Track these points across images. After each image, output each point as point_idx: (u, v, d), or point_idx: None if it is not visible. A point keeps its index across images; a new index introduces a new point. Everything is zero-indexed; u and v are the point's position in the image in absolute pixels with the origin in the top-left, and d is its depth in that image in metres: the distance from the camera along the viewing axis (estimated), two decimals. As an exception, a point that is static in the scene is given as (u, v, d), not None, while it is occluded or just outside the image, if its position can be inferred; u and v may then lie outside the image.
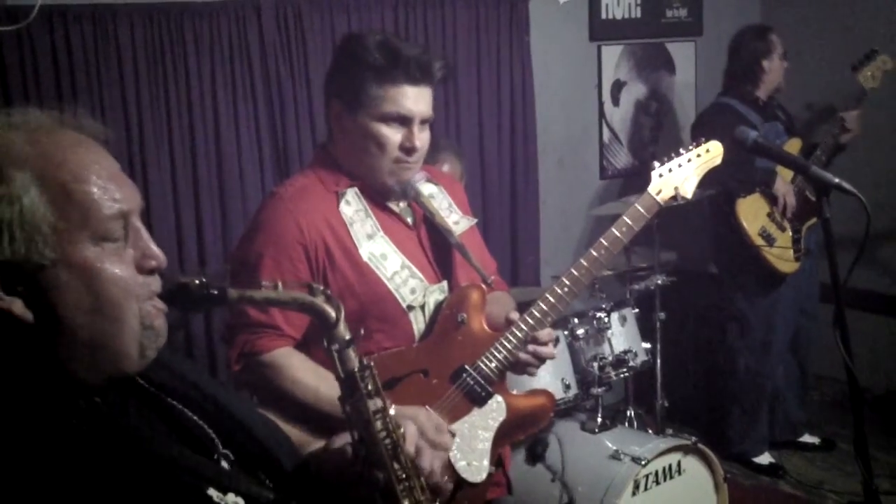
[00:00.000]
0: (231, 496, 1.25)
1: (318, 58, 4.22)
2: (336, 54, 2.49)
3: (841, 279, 2.13)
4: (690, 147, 2.60)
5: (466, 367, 2.38)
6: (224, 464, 1.34)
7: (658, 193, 2.52)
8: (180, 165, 3.94)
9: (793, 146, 4.64)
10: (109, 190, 1.18)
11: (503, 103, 4.92)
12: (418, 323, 2.41)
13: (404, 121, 2.30)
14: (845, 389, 5.35)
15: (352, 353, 1.37)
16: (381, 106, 2.28)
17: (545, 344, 2.39)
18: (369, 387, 1.37)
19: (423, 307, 2.42)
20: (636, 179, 5.55)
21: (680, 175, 2.56)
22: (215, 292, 1.26)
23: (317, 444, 1.58)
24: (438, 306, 2.44)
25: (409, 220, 2.47)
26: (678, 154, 2.59)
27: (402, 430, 1.42)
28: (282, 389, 2.23)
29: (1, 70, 3.49)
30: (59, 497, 1.08)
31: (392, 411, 2.03)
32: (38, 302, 1.14)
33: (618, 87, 5.63)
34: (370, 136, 2.31)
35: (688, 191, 2.58)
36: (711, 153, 2.61)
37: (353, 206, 2.36)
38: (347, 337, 1.36)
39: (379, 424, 1.37)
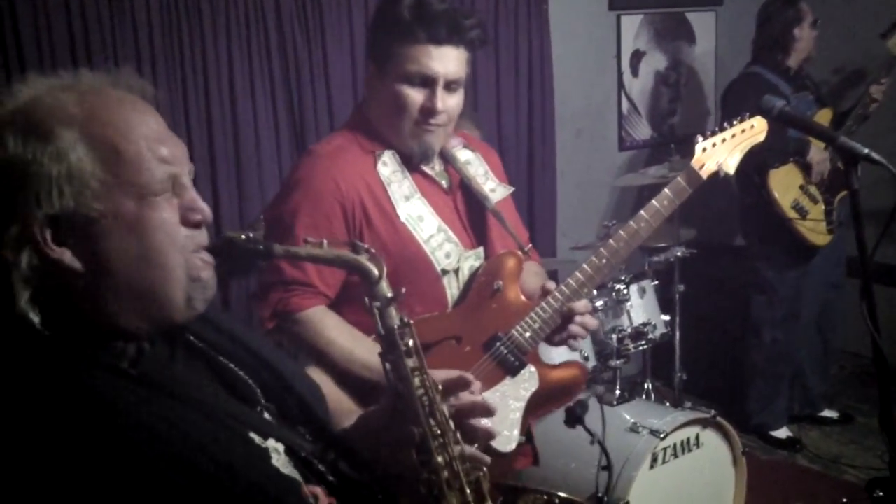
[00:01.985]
0: (272, 441, 1.30)
1: (334, 25, 4.18)
2: (375, 12, 2.45)
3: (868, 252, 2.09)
4: (735, 122, 2.55)
5: (500, 335, 2.36)
6: (266, 415, 1.38)
7: (701, 167, 2.47)
8: (196, 134, 3.91)
9: (823, 116, 4.59)
10: (156, 147, 1.23)
11: (521, 73, 4.87)
12: (452, 288, 2.39)
13: (427, 81, 2.26)
14: (864, 363, 5.42)
15: (393, 311, 1.38)
16: (404, 65, 2.25)
17: (582, 315, 2.36)
18: (409, 344, 1.39)
19: (457, 272, 2.39)
20: (655, 151, 5.52)
21: (724, 149, 2.51)
22: (261, 247, 1.29)
23: (355, 411, 1.61)
24: (473, 273, 2.42)
25: (445, 184, 2.44)
26: (721, 128, 2.54)
27: (440, 387, 1.43)
28: (315, 348, 2.21)
29: (17, 40, 3.46)
30: (103, 436, 1.11)
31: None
32: (88, 252, 1.18)
33: (637, 57, 5.57)
34: (393, 97, 2.28)
35: (731, 166, 2.52)
36: (756, 129, 2.56)
37: (390, 168, 2.34)
38: (389, 295, 1.38)
39: (417, 381, 1.39)
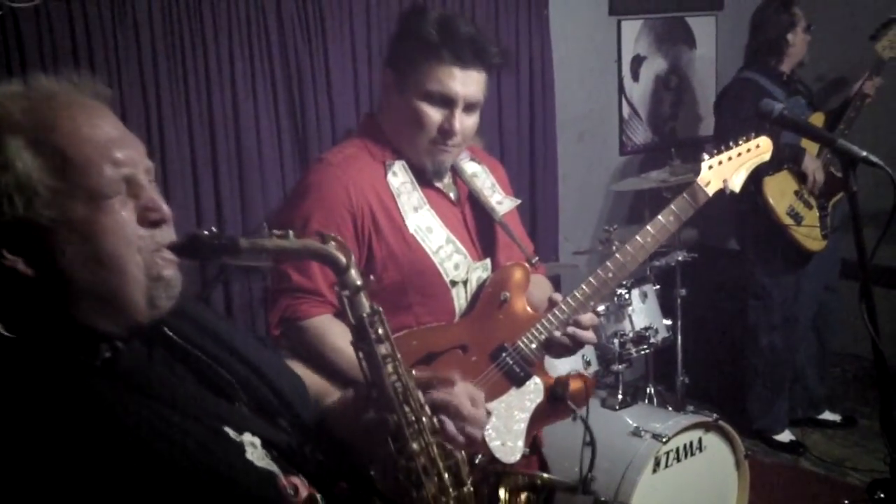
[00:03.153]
0: (248, 435, 1.30)
1: (335, 27, 4.18)
2: (399, 23, 2.45)
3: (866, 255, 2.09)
4: (741, 141, 2.57)
5: (506, 346, 2.36)
6: (244, 409, 1.39)
7: (707, 185, 2.49)
8: (198, 138, 3.91)
9: (816, 120, 4.59)
10: (108, 151, 1.22)
11: (522, 78, 4.87)
12: (460, 299, 2.40)
13: (447, 102, 2.26)
14: (866, 366, 5.42)
15: (363, 299, 1.38)
16: (426, 83, 2.25)
17: (587, 328, 2.36)
18: (379, 331, 1.38)
19: (465, 283, 2.40)
20: (656, 155, 5.52)
21: (730, 168, 2.54)
22: (226, 242, 1.26)
23: (334, 395, 1.63)
24: (481, 284, 2.43)
25: (453, 196, 2.45)
26: (727, 147, 2.56)
27: (412, 372, 1.44)
28: (321, 356, 2.22)
29: (18, 44, 3.46)
30: (77, 439, 1.12)
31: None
32: (43, 259, 1.19)
33: (637, 61, 5.58)
34: (411, 112, 2.28)
35: (736, 184, 2.55)
36: (762, 148, 2.59)
37: (399, 178, 2.35)
38: (358, 283, 1.37)
39: (389, 368, 1.39)
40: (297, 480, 1.31)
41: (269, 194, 4.07)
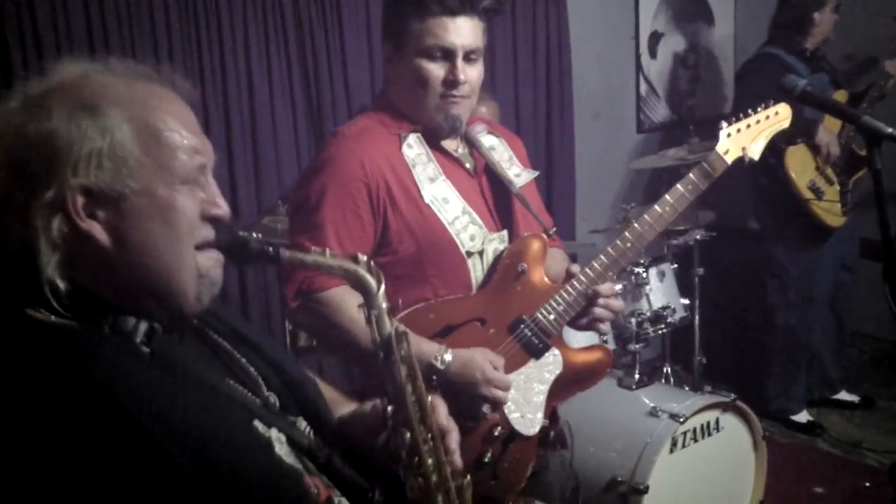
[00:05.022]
0: (274, 431, 1.33)
1: (351, 10, 4.16)
2: None
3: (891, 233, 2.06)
4: (759, 108, 2.55)
5: (524, 317, 2.36)
6: (272, 400, 1.42)
7: (726, 153, 2.48)
8: (214, 120, 3.90)
9: (839, 98, 4.55)
10: (192, 140, 1.30)
11: (538, 56, 4.84)
12: (476, 271, 2.38)
13: (447, 54, 2.26)
14: (884, 346, 5.39)
15: (388, 320, 1.41)
16: (421, 40, 2.25)
17: (608, 297, 2.36)
18: (403, 352, 1.41)
19: (481, 254, 2.39)
20: (674, 133, 5.48)
21: (748, 135, 2.52)
22: (271, 251, 1.33)
23: (347, 405, 1.65)
24: (498, 255, 2.41)
25: (469, 166, 2.44)
26: (746, 114, 2.54)
27: (430, 398, 1.47)
28: (338, 328, 2.21)
29: (34, 33, 3.46)
30: (114, 413, 1.13)
31: (448, 356, 2.17)
32: (115, 228, 1.23)
33: (655, 38, 5.53)
34: (414, 73, 2.28)
35: (755, 152, 2.53)
36: (781, 115, 2.57)
37: (415, 150, 2.34)
38: (385, 305, 1.41)
39: (409, 388, 1.42)
40: (317, 481, 1.33)
41: (284, 178, 4.06)
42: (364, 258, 1.41)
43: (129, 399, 1.14)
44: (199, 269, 1.29)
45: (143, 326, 1.26)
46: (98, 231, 1.21)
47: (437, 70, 2.26)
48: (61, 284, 1.19)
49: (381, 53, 2.44)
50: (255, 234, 1.33)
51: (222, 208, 1.32)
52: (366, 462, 1.49)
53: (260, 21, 3.96)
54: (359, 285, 1.40)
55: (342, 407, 1.65)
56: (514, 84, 4.78)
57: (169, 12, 3.74)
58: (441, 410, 1.52)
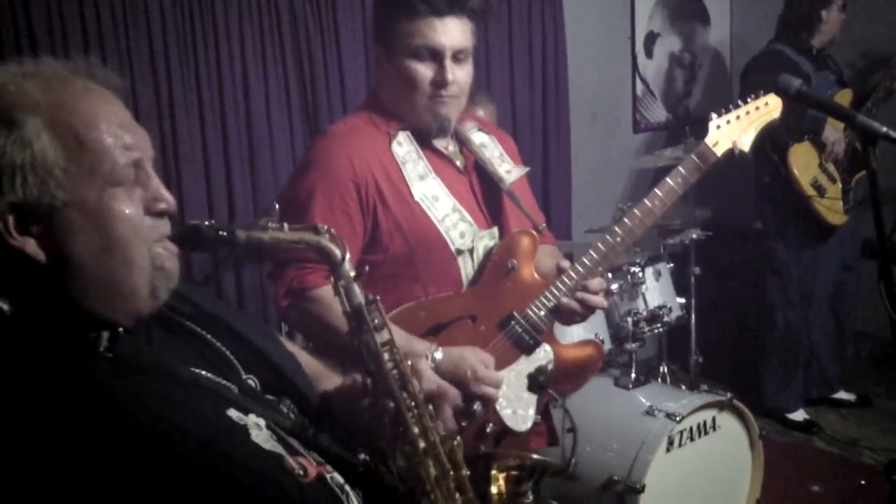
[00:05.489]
0: (252, 417, 1.30)
1: (347, 11, 4.17)
2: None
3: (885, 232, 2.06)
4: (749, 99, 2.55)
5: (515, 314, 2.36)
6: (248, 390, 1.40)
7: (715, 145, 2.47)
8: (210, 122, 3.91)
9: (844, 97, 4.56)
10: (120, 137, 1.23)
11: (535, 56, 4.84)
12: (467, 268, 2.39)
13: (434, 55, 2.26)
14: (881, 345, 5.39)
15: (357, 289, 1.41)
16: (409, 41, 2.25)
17: (596, 293, 2.37)
18: (376, 321, 1.41)
19: (471, 252, 2.39)
20: (670, 133, 5.49)
21: (738, 127, 2.51)
22: (224, 233, 1.29)
23: (330, 378, 1.65)
24: (488, 252, 2.42)
25: (460, 164, 2.44)
26: (736, 106, 2.54)
27: (409, 362, 1.46)
28: (329, 325, 2.21)
29: (30, 36, 3.46)
30: (79, 422, 1.12)
31: (439, 354, 2.16)
32: (51, 242, 1.19)
33: (651, 39, 5.54)
34: (403, 74, 2.29)
35: (745, 143, 2.52)
36: (770, 106, 2.55)
37: (404, 147, 2.35)
38: (353, 273, 1.40)
39: (387, 356, 1.42)
40: (304, 461, 1.31)
41: (281, 180, 4.05)
42: (325, 227, 1.40)
43: (92, 410, 1.13)
44: (153, 264, 1.25)
45: (105, 333, 1.23)
46: (33, 248, 1.17)
47: (425, 70, 2.27)
48: (2, 305, 1.17)
49: (372, 53, 2.44)
50: (206, 221, 1.29)
51: (166, 201, 1.28)
52: (353, 436, 1.49)
53: (256, 23, 3.96)
54: (322, 256, 1.39)
55: (327, 381, 1.65)
56: (511, 84, 4.78)
57: (164, 15, 3.74)
58: (427, 374, 1.52)
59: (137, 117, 1.32)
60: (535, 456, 2.02)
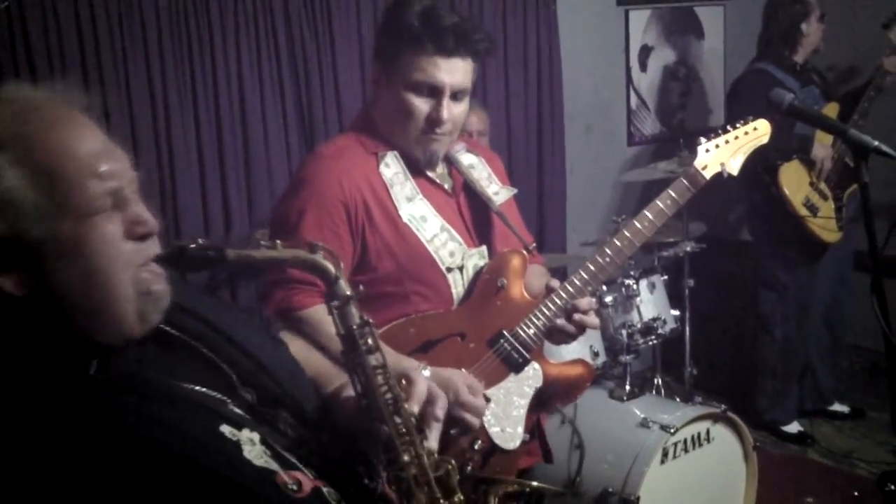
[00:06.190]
0: (246, 432, 1.28)
1: (342, 22, 4.18)
2: (383, 15, 2.45)
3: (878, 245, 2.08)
4: (738, 124, 2.56)
5: (504, 332, 2.36)
6: (246, 399, 1.37)
7: (704, 168, 2.49)
8: (205, 134, 3.91)
9: (830, 110, 4.56)
10: (93, 164, 1.20)
11: (529, 69, 4.86)
12: (457, 286, 2.40)
13: (433, 91, 2.26)
14: (875, 358, 5.40)
15: (352, 310, 1.38)
16: (411, 74, 2.25)
17: (586, 312, 2.37)
18: (369, 342, 1.39)
19: (461, 269, 2.40)
20: (664, 146, 5.50)
21: (727, 151, 2.53)
22: (213, 253, 1.24)
23: (340, 376, 1.60)
24: (478, 271, 2.42)
25: (448, 186, 2.45)
26: (725, 130, 2.56)
27: (403, 384, 1.44)
28: (318, 346, 2.19)
29: (25, 42, 3.47)
30: (72, 444, 1.12)
31: (427, 372, 2.08)
32: (32, 277, 1.17)
33: (645, 52, 5.56)
34: (399, 104, 2.28)
35: (734, 167, 2.54)
36: (759, 131, 2.58)
37: (392, 169, 2.34)
38: (348, 293, 1.38)
39: (379, 379, 1.39)
40: (299, 475, 1.30)
41: (276, 189, 4.05)
42: (320, 245, 1.37)
43: (81, 434, 1.13)
44: (137, 289, 1.23)
45: (94, 364, 1.22)
46: (11, 285, 1.16)
47: (422, 105, 2.27)
48: None
49: (370, 72, 2.43)
50: (193, 242, 1.23)
51: (148, 225, 1.25)
52: (353, 442, 1.48)
53: (252, 39, 3.97)
54: (317, 273, 1.36)
55: (337, 379, 1.62)
56: (506, 97, 4.79)
57: (160, 22, 3.75)
58: (419, 386, 1.48)
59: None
60: (533, 483, 2.03)
